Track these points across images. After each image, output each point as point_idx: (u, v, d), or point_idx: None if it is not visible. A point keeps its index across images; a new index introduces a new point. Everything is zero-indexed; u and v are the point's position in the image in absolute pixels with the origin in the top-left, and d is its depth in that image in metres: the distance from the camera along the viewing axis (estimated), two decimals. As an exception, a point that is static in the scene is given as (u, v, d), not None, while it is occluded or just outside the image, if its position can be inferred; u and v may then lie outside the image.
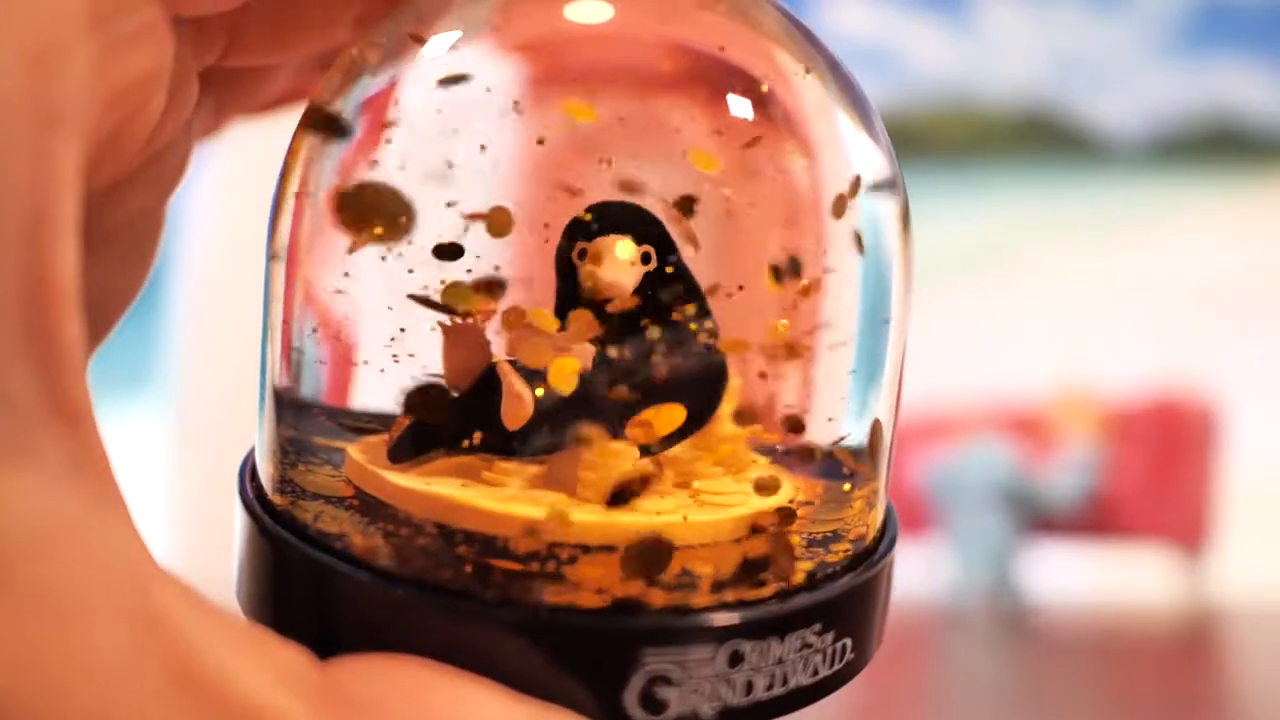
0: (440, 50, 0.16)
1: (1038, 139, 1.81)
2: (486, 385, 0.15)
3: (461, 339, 0.15)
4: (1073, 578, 1.43)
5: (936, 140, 1.79)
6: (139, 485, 0.13)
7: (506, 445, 0.15)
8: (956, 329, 1.56)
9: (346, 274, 0.15)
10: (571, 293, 0.15)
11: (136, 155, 0.14)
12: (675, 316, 0.15)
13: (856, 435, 0.16)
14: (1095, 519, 1.44)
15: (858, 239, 0.16)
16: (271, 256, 0.16)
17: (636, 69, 0.16)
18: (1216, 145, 1.77)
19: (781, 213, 0.16)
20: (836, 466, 0.16)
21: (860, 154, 0.16)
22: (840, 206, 0.15)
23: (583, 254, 0.15)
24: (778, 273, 0.15)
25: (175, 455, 1.28)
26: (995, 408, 1.50)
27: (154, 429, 1.28)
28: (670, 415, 0.15)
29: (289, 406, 0.16)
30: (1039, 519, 1.44)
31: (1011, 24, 1.79)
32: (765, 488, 0.16)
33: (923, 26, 1.81)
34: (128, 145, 0.14)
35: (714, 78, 0.16)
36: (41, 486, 0.11)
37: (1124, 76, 1.77)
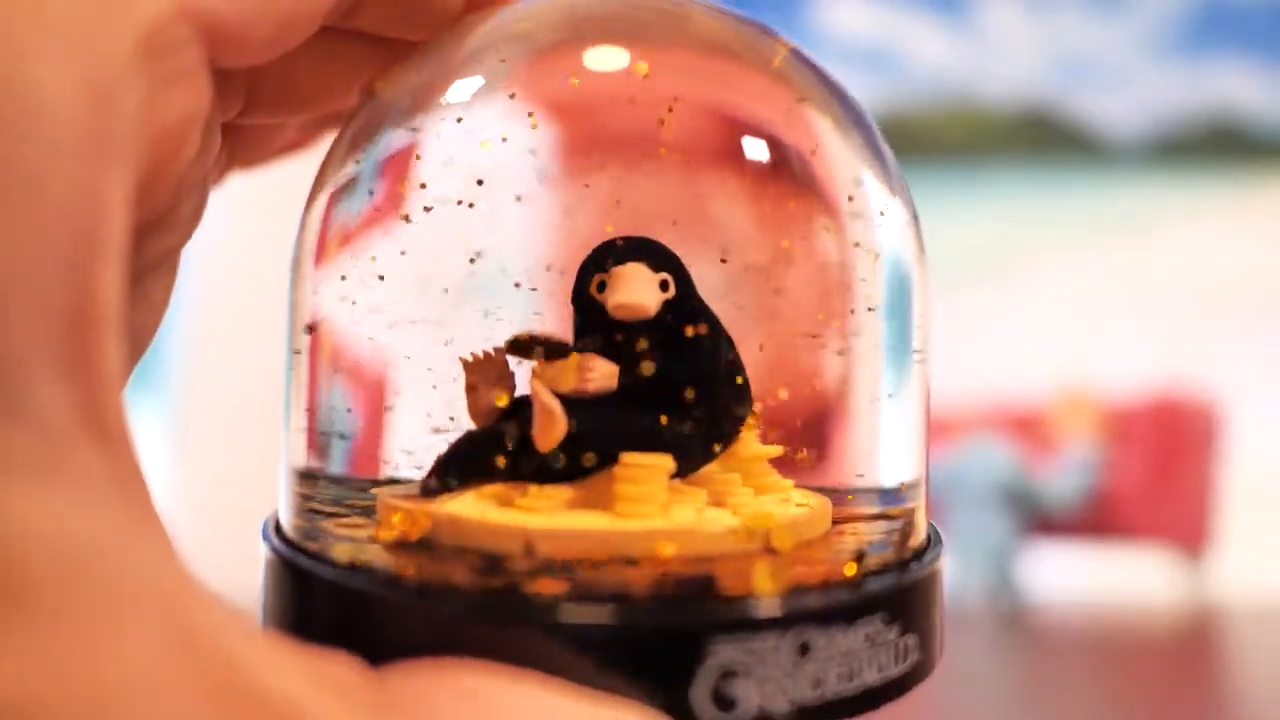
0: (463, 113, 0.16)
1: (1038, 139, 1.80)
2: (517, 413, 0.15)
3: (484, 373, 0.15)
4: (1073, 578, 1.43)
5: (936, 140, 1.79)
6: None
7: (538, 470, 0.15)
8: (956, 328, 1.55)
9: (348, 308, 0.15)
10: (592, 328, 0.15)
11: (169, 197, 0.14)
12: (697, 340, 0.15)
13: (896, 461, 0.17)
14: (1095, 519, 1.44)
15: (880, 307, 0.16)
16: (295, 350, 0.16)
17: (664, 135, 0.16)
18: (1216, 145, 1.77)
19: (808, 276, 0.16)
20: (885, 491, 0.17)
21: (884, 213, 0.17)
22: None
23: (601, 286, 0.15)
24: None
25: (175, 455, 1.28)
26: (995, 408, 1.50)
27: (154, 430, 1.28)
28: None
29: (314, 475, 0.16)
30: (1039, 519, 1.43)
31: (1011, 24, 1.79)
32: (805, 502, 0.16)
33: (922, 26, 1.81)
34: (163, 185, 0.14)
35: (736, 140, 0.16)
36: (75, 505, 0.11)
37: (1124, 76, 1.77)
